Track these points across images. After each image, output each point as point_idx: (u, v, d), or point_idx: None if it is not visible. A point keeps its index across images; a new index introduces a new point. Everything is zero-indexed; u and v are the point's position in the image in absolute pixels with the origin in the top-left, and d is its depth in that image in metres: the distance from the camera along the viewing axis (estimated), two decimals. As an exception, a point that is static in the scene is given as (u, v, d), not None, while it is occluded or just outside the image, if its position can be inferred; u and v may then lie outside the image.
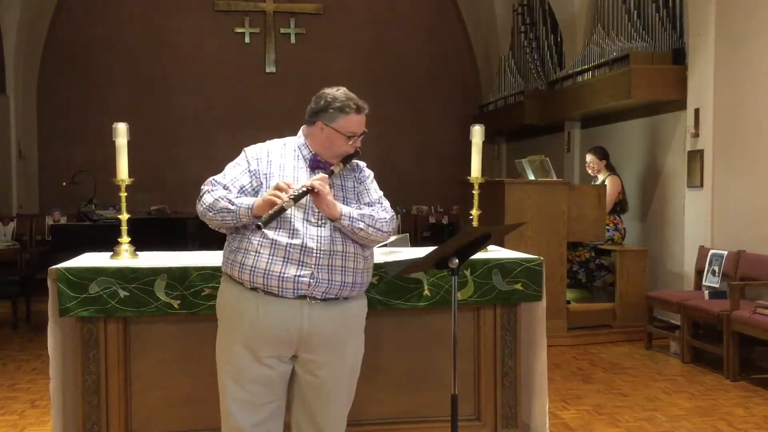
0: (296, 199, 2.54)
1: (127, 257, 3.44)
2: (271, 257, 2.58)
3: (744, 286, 5.42)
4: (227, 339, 2.72)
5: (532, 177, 6.69)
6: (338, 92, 2.72)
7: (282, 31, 11.27)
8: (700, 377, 5.27)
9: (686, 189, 6.47)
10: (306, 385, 2.73)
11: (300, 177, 2.70)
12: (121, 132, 3.46)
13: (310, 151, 2.76)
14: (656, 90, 6.61)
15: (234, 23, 11.17)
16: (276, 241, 2.59)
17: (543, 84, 9.07)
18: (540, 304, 3.60)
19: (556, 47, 9.30)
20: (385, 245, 3.70)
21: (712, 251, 5.88)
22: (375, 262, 2.94)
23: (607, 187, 6.67)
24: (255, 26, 11.21)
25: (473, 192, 3.87)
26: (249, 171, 2.71)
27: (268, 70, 11.24)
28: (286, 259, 2.58)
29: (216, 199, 2.63)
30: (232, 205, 2.61)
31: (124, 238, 3.49)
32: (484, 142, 3.91)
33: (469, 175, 3.86)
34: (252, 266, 2.60)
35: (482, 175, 3.88)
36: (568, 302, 6.50)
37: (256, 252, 2.60)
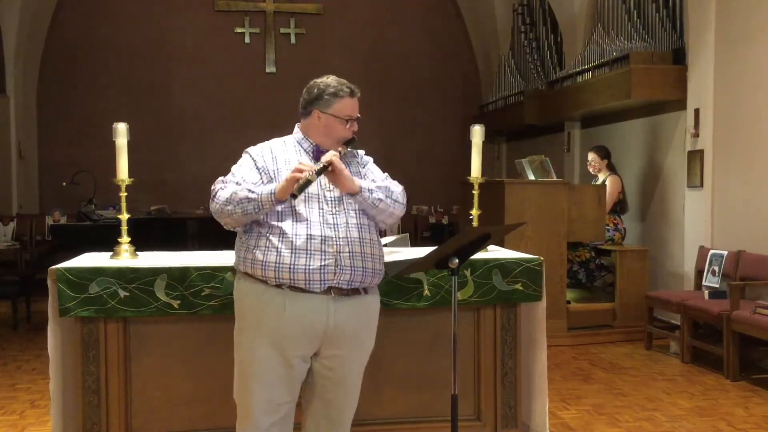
0: (318, 173, 2.55)
1: (127, 257, 3.44)
2: (293, 252, 2.59)
3: (744, 286, 5.42)
4: (250, 339, 2.69)
5: (532, 177, 6.69)
6: (329, 79, 2.77)
7: (282, 31, 11.27)
8: (700, 377, 5.27)
9: (686, 189, 6.47)
10: (327, 382, 2.76)
11: None
12: (121, 132, 3.46)
13: (311, 143, 2.79)
14: (656, 90, 6.61)
15: (234, 23, 11.17)
16: (296, 234, 2.60)
17: (543, 84, 9.07)
18: (540, 304, 3.60)
19: (556, 47, 9.30)
20: (386, 245, 3.70)
21: (712, 251, 5.88)
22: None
23: (608, 187, 6.67)
24: (255, 26, 11.21)
25: (473, 192, 3.87)
26: (257, 168, 2.72)
27: (268, 70, 11.24)
28: (308, 252, 2.59)
29: (234, 192, 2.60)
30: (253, 193, 2.58)
31: (124, 238, 3.49)
32: (484, 142, 3.91)
33: (469, 175, 3.86)
34: (276, 262, 2.59)
35: (482, 175, 3.88)
36: (568, 302, 6.50)
37: (277, 248, 2.60)
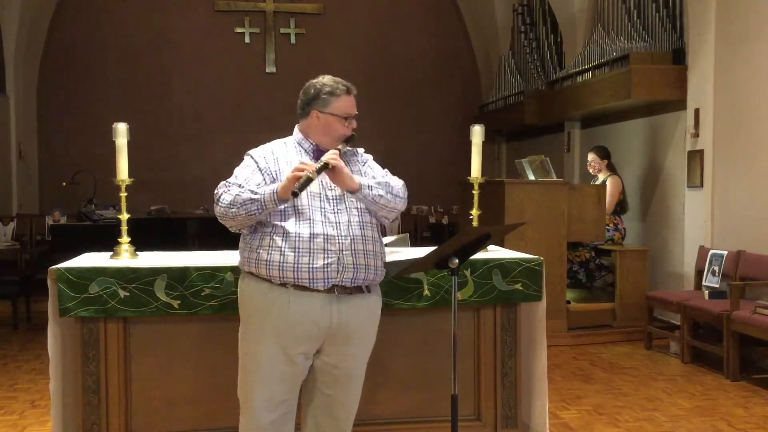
0: (318, 171, 2.58)
1: (127, 257, 3.44)
2: (297, 251, 2.62)
3: (744, 286, 5.42)
4: (255, 337, 2.73)
5: (532, 177, 6.69)
6: (324, 79, 2.80)
7: (282, 31, 11.27)
8: (700, 377, 5.27)
9: (686, 189, 6.47)
10: (328, 378, 2.79)
11: None
12: (121, 132, 3.46)
13: (311, 143, 2.81)
14: (656, 90, 6.61)
15: (234, 23, 11.17)
16: (298, 233, 2.63)
17: (543, 84, 9.07)
18: (540, 304, 3.60)
19: (556, 47, 9.30)
20: (386, 245, 3.70)
21: (712, 251, 5.88)
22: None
23: (608, 188, 6.66)
24: (255, 26, 11.21)
25: (473, 192, 3.87)
26: (259, 169, 2.74)
27: (268, 70, 11.25)
28: (311, 251, 2.62)
29: (237, 194, 2.63)
30: (256, 194, 2.61)
31: (124, 238, 3.49)
32: (484, 142, 3.90)
33: (469, 175, 3.86)
34: (280, 261, 2.62)
35: (482, 175, 3.88)
36: (568, 302, 6.49)
37: (280, 248, 2.63)
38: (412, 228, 10.03)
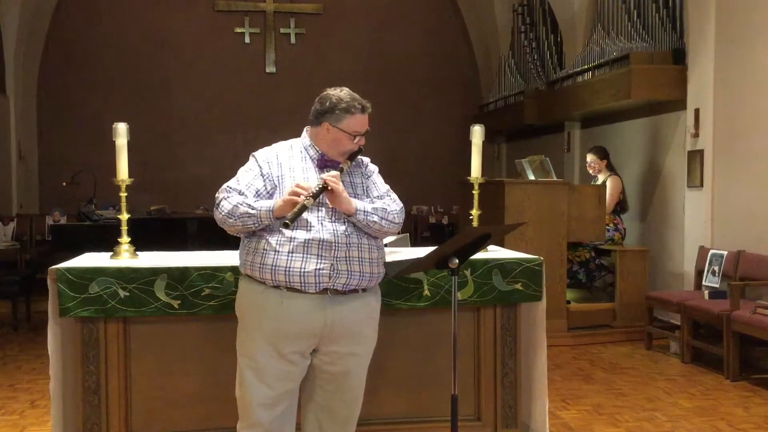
0: (315, 196, 2.62)
1: (127, 257, 3.44)
2: (290, 254, 2.65)
3: (744, 286, 5.42)
4: (250, 336, 2.75)
5: (532, 177, 6.69)
6: (342, 93, 2.79)
7: (282, 31, 11.27)
8: (700, 377, 5.27)
9: (686, 189, 6.47)
10: (327, 376, 2.80)
11: (310, 177, 2.76)
12: (121, 132, 3.46)
13: (317, 151, 2.83)
14: (656, 90, 6.60)
15: (234, 23, 11.17)
16: (294, 238, 2.65)
17: (543, 84, 9.06)
18: (540, 304, 3.60)
19: (556, 47, 9.30)
20: (386, 245, 3.70)
21: (712, 251, 5.88)
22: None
23: (608, 188, 6.67)
24: (255, 26, 11.21)
25: (473, 192, 3.87)
26: (262, 175, 2.77)
27: (268, 70, 11.24)
28: (305, 255, 2.65)
29: (235, 206, 2.68)
30: (253, 209, 2.66)
31: (124, 238, 3.49)
32: (484, 142, 3.91)
33: (469, 175, 3.86)
34: (273, 264, 2.65)
35: (482, 175, 3.88)
36: (568, 302, 6.50)
37: (275, 251, 2.65)
38: (412, 228, 10.02)
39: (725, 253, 5.73)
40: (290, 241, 2.65)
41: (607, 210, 6.61)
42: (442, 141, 11.29)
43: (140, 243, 3.63)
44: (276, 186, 2.74)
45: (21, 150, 10.16)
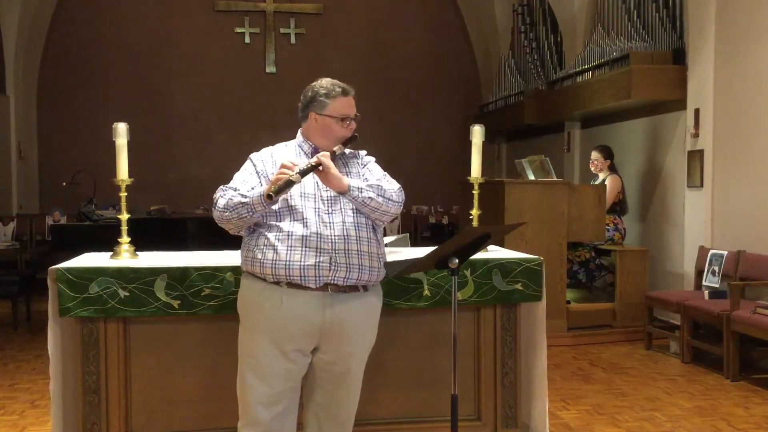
0: (303, 173, 2.61)
1: (127, 257, 3.44)
2: (289, 249, 2.65)
3: (744, 286, 5.42)
4: (250, 334, 2.76)
5: (532, 177, 6.69)
6: (322, 81, 2.85)
7: (282, 31, 11.27)
8: (700, 377, 5.27)
9: (686, 189, 6.47)
10: (327, 375, 2.81)
11: None
12: (121, 132, 3.46)
13: (311, 145, 2.85)
14: (656, 90, 6.60)
15: (234, 23, 11.17)
16: (292, 232, 2.66)
17: (543, 84, 9.07)
18: (540, 304, 3.60)
19: (556, 47, 9.30)
20: (386, 245, 3.70)
21: (712, 251, 5.88)
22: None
23: (607, 186, 6.67)
24: (255, 26, 11.21)
25: (473, 192, 3.87)
26: (256, 172, 2.80)
27: (268, 70, 11.24)
28: (304, 249, 2.65)
29: (229, 199, 2.69)
30: (245, 198, 2.66)
31: (124, 238, 3.49)
32: (484, 142, 3.90)
33: (469, 175, 3.86)
34: (272, 259, 2.65)
35: (482, 175, 3.88)
36: (568, 302, 6.50)
37: (274, 246, 2.66)
38: (412, 228, 10.03)
39: (725, 253, 5.73)
40: (289, 237, 2.65)
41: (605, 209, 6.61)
42: (441, 141, 11.29)
43: (140, 243, 3.63)
44: None
45: (21, 150, 10.17)
